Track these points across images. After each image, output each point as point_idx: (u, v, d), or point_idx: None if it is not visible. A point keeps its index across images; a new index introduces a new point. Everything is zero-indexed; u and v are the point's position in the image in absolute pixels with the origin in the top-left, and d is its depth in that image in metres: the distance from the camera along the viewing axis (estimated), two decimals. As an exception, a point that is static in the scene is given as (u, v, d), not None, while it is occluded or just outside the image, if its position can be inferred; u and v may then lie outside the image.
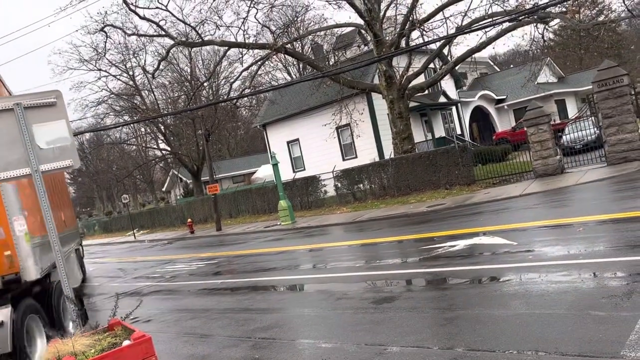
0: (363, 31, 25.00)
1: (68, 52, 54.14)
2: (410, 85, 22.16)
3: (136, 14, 23.54)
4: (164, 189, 64.00)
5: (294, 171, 29.21)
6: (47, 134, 4.75)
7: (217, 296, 10.13)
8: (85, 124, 41.80)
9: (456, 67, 25.90)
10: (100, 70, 38.07)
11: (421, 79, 23.85)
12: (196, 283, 12.01)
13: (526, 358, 4.22)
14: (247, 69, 26.28)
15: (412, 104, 24.31)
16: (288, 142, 30.16)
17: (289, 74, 45.65)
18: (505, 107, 36.31)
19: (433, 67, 27.31)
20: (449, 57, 24.38)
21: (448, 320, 5.62)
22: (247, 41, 23.30)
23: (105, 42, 28.65)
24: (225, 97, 35.79)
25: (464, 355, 4.55)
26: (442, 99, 29.25)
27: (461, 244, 9.56)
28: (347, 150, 27.23)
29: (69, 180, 73.48)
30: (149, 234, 34.63)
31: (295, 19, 27.37)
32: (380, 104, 24.15)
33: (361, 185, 22.24)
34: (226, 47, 24.51)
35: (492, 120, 36.74)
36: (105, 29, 25.92)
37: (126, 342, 4.02)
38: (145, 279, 14.37)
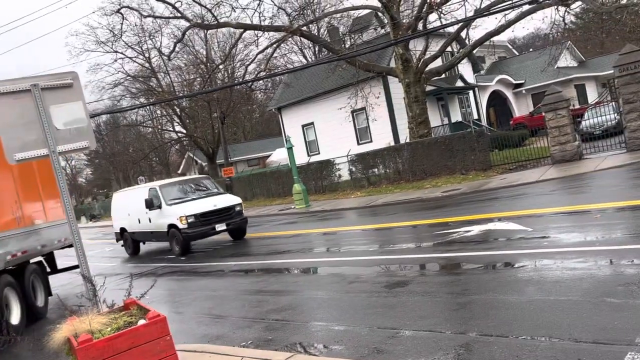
0: (380, 14, 24.67)
1: (85, 34, 53.91)
2: (427, 68, 21.89)
3: (152, -5, 23.47)
4: (179, 172, 64.42)
5: (308, 155, 29.17)
6: (64, 115, 4.79)
7: (230, 277, 10.23)
8: (102, 106, 42.09)
9: (474, 51, 25.47)
10: (116, 52, 38.16)
11: (438, 62, 23.52)
12: (210, 264, 12.13)
13: (540, 344, 4.20)
14: (262, 51, 26.16)
15: (428, 88, 24.03)
16: (303, 126, 30.07)
17: (305, 57, 45.35)
18: (524, 91, 35.74)
19: (450, 50, 26.89)
20: (466, 41, 23.97)
21: (461, 305, 5.61)
22: (262, 23, 23.15)
23: (122, 23, 28.62)
24: (241, 80, 35.76)
25: (476, 340, 4.55)
26: (459, 83, 28.85)
27: (476, 229, 9.50)
28: (362, 134, 27.08)
29: (85, 162, 74.47)
30: (165, 216, 34.95)
31: (311, 0, 27.08)
32: (397, 87, 23.91)
33: (376, 169, 22.15)
34: (242, 30, 24.38)
35: (509, 105, 36.22)
36: (122, 11, 25.92)
37: (141, 322, 4.09)
38: (160, 260, 14.54)
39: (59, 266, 11.46)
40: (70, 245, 11.17)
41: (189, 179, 17.08)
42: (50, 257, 11.28)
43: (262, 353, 5.11)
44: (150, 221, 15.09)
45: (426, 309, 5.70)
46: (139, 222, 15.65)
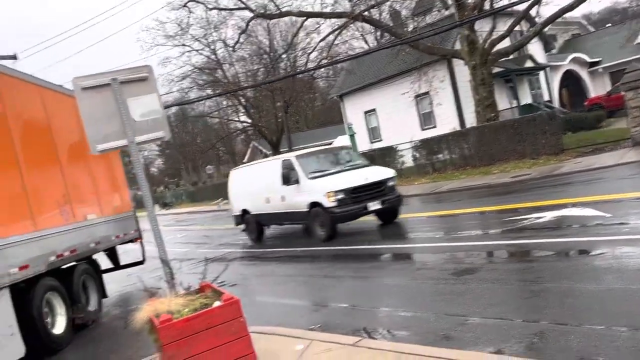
0: (443, -6, 23.99)
1: (154, 29, 56.21)
2: (494, 49, 21.08)
3: (216, -12, 24.04)
4: (245, 160, 66.05)
5: (370, 142, 29.00)
6: (141, 107, 5.03)
7: (298, 263, 10.43)
8: (171, 98, 43.66)
9: (545, 29, 24.23)
10: (184, 45, 39.40)
11: (506, 42, 22.58)
12: (278, 250, 12.41)
13: (620, 334, 4.01)
14: (324, 39, 26.14)
15: (496, 70, 23.17)
16: (365, 112, 29.90)
17: (366, 42, 44.88)
18: (600, 70, 33.64)
19: (519, 29, 25.74)
20: (537, 19, 22.86)
21: (534, 293, 5.44)
22: (324, 10, 23.15)
23: (189, 17, 29.61)
24: (303, 69, 36.01)
25: (551, 329, 4.40)
26: (529, 64, 27.58)
27: (548, 215, 9.12)
28: (426, 119, 26.57)
29: (157, 152, 77.89)
30: (232, 204, 35.95)
31: (372, -15, 26.71)
32: (462, 70, 23.21)
33: (440, 155, 21.68)
34: (304, 18, 24.51)
35: (584, 85, 34.23)
36: (188, 4, 26.74)
37: (217, 303, 4.27)
38: (229, 245, 15.04)
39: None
40: (132, 241, 10.96)
41: (327, 149, 14.24)
42: (112, 253, 10.68)
43: (330, 336, 5.19)
44: (283, 200, 12.65)
45: (496, 297, 5.57)
46: (268, 201, 13.31)
